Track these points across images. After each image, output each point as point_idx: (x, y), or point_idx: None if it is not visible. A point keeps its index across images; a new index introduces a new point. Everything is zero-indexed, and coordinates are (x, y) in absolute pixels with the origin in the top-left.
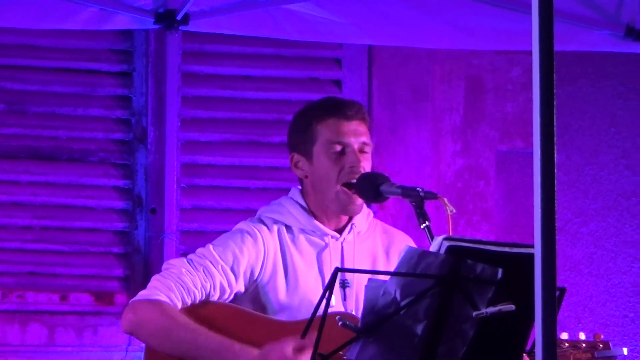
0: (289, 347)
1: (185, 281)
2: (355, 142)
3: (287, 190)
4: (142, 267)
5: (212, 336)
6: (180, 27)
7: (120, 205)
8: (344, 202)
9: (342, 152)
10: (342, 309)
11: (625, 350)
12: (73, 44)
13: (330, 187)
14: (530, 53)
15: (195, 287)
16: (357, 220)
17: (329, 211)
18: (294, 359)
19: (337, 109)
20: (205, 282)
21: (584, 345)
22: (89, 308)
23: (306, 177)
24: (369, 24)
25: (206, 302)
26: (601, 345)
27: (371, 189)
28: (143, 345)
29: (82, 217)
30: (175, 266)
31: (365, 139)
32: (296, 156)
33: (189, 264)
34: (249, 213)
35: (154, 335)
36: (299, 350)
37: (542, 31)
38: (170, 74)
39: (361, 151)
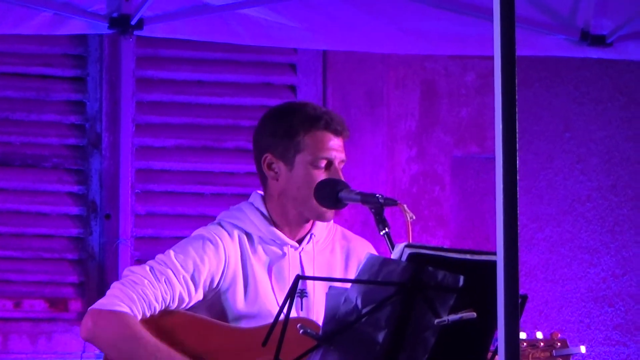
0: None
1: (148, 294)
2: (337, 158)
3: (242, 195)
4: (96, 273)
5: (172, 353)
6: (135, 32)
7: (75, 211)
8: (322, 211)
9: (326, 166)
10: None
11: (583, 349)
12: (26, 48)
13: (311, 198)
14: (484, 58)
15: (156, 301)
16: (316, 230)
17: (291, 219)
18: None
19: (328, 123)
20: (166, 293)
21: (542, 344)
22: (43, 314)
23: (277, 180)
24: (324, 29)
25: (165, 312)
26: (559, 344)
27: (330, 195)
28: (98, 352)
29: (36, 223)
30: (137, 275)
31: (344, 155)
32: (270, 157)
33: (151, 273)
34: (204, 219)
35: (113, 347)
36: None
37: (503, 36)
38: (125, 79)
39: (339, 165)
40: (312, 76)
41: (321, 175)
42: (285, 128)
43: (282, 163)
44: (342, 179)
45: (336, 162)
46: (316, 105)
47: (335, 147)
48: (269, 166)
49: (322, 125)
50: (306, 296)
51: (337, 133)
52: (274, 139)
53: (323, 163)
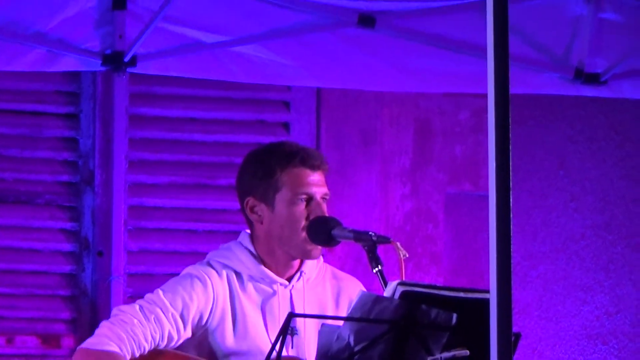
0: None
1: (137, 333)
2: (318, 193)
3: (235, 232)
4: (89, 309)
5: None
6: (128, 69)
7: (67, 248)
8: (308, 249)
9: (307, 202)
10: None
11: None
12: (19, 85)
13: (296, 235)
14: (478, 95)
15: (146, 340)
16: (306, 267)
17: (279, 258)
18: None
19: (304, 159)
20: (155, 332)
21: None
22: (36, 351)
23: (261, 222)
24: (317, 67)
25: (154, 352)
26: None
27: (323, 233)
28: None
29: (29, 259)
30: (127, 314)
31: (326, 189)
32: (252, 201)
33: (141, 312)
34: (196, 256)
35: None
36: None
37: (497, 74)
38: (118, 116)
39: (323, 201)
40: (306, 114)
41: (303, 212)
42: (263, 169)
43: (264, 205)
44: (326, 214)
45: (318, 197)
46: (293, 143)
47: (314, 182)
48: (252, 209)
49: (298, 162)
50: (297, 334)
51: (314, 168)
52: (253, 181)
53: (303, 199)
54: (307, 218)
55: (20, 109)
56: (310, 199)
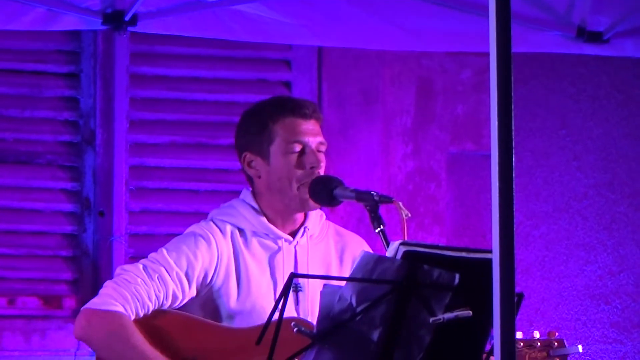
0: None
1: (141, 292)
2: (313, 142)
3: (236, 192)
4: (90, 270)
5: (161, 359)
6: (128, 28)
7: (68, 208)
8: (304, 200)
9: (301, 152)
10: (294, 314)
11: (580, 348)
12: (19, 44)
13: (291, 186)
14: (480, 54)
15: (150, 299)
16: (310, 223)
17: (282, 212)
18: None
19: (294, 108)
20: (159, 291)
21: (539, 344)
22: (37, 312)
23: (259, 177)
24: (319, 25)
25: (159, 312)
26: (556, 344)
27: (325, 192)
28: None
29: (30, 220)
30: (131, 274)
31: (321, 138)
32: (249, 155)
33: (145, 271)
34: (198, 215)
35: (104, 347)
36: None
37: (499, 33)
38: (118, 75)
39: (318, 151)
40: (307, 73)
41: (297, 161)
42: (256, 123)
43: (260, 158)
44: (322, 163)
45: (312, 146)
46: (285, 96)
47: (306, 131)
48: (249, 164)
49: (289, 111)
50: (301, 290)
51: (306, 116)
52: (247, 136)
53: (297, 148)
54: (302, 167)
55: (21, 68)
56: (303, 148)
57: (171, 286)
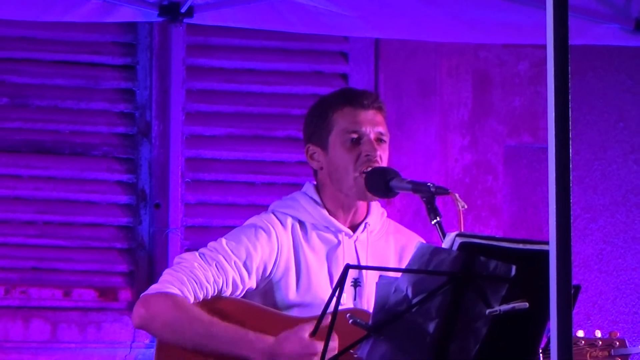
0: (305, 332)
1: (198, 275)
2: (371, 132)
3: (292, 184)
4: (146, 262)
5: (226, 326)
6: (185, 20)
7: (124, 200)
8: (362, 190)
9: (358, 141)
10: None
11: None
12: (76, 36)
13: (348, 175)
14: (537, 47)
15: (208, 282)
16: (371, 219)
17: (343, 204)
18: (310, 344)
19: (353, 98)
20: (218, 277)
21: (600, 343)
22: (93, 304)
23: (321, 168)
24: (376, 17)
25: (218, 298)
26: (617, 343)
27: (381, 184)
28: (148, 342)
29: (85, 212)
30: (188, 260)
31: (381, 128)
32: (312, 147)
33: (201, 258)
34: (254, 208)
35: (166, 329)
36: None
37: (556, 25)
38: (175, 67)
39: (378, 140)
40: (364, 65)
41: (353, 151)
42: (318, 114)
43: (320, 149)
44: (379, 152)
45: (371, 136)
46: (348, 88)
47: (364, 120)
48: (312, 156)
49: (348, 101)
50: (360, 285)
51: (364, 106)
52: (310, 128)
53: (354, 136)
54: (358, 156)
55: (77, 60)
56: (360, 138)
57: (230, 273)
